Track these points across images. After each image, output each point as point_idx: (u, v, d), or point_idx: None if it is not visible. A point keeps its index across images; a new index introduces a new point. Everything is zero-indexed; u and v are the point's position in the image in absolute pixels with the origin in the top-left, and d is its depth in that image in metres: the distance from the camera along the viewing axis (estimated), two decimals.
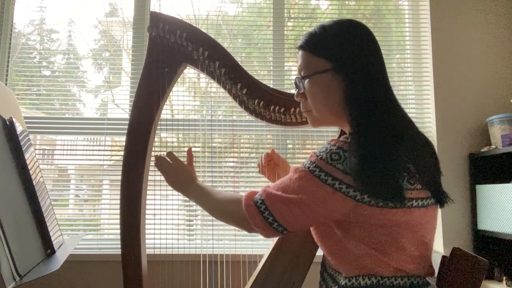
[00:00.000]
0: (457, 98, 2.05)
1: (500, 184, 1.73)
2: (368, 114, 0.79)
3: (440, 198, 0.82)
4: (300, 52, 0.89)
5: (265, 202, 0.80)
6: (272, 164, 1.23)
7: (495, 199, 1.75)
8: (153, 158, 1.06)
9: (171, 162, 1.03)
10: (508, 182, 1.75)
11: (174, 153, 1.05)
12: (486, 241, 1.88)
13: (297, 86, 0.91)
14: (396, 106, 0.84)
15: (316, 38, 0.87)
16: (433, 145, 0.87)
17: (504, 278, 1.74)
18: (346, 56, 0.83)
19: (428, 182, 0.79)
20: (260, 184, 2.05)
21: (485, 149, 1.89)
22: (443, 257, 0.82)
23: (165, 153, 1.04)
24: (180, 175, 1.01)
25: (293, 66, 2.29)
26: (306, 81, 0.87)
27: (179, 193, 1.02)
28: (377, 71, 0.84)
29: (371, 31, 0.88)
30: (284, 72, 2.15)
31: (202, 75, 1.22)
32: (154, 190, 1.20)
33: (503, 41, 2.10)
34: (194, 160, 1.06)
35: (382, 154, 0.74)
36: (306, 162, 0.80)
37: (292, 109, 1.08)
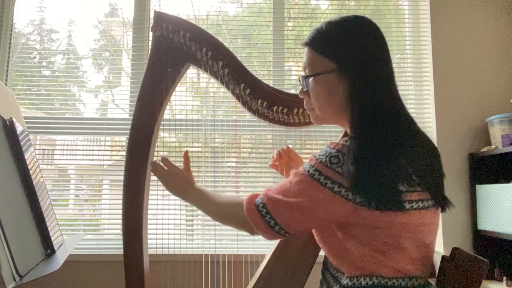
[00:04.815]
0: (457, 98, 2.05)
1: (500, 184, 1.73)
2: (369, 119, 0.78)
3: (441, 202, 0.81)
4: (306, 49, 0.88)
5: (266, 206, 0.81)
6: (286, 160, 1.22)
7: (495, 199, 1.75)
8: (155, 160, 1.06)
9: (166, 168, 1.03)
10: (508, 182, 1.75)
11: (175, 153, 1.05)
12: (486, 241, 1.88)
13: (301, 83, 0.90)
14: (399, 109, 0.82)
15: (321, 36, 0.85)
16: (437, 148, 0.85)
17: (504, 278, 1.74)
18: (351, 58, 0.81)
19: (429, 184, 0.78)
20: (260, 184, 2.05)
21: (485, 149, 1.89)
22: (443, 257, 0.82)
23: (160, 159, 1.04)
24: (178, 180, 1.01)
25: (293, 66, 2.29)
26: (310, 79, 0.86)
27: (179, 198, 1.03)
28: (382, 72, 0.82)
29: (379, 28, 0.85)
30: (284, 72, 2.14)
31: (204, 74, 1.22)
32: (157, 190, 1.20)
33: (503, 41, 2.10)
34: (194, 160, 1.06)
35: (380, 159, 0.74)
36: (306, 166, 0.80)
37: (295, 110, 1.08)
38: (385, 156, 0.74)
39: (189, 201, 1.00)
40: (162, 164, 1.03)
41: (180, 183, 1.01)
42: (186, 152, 1.07)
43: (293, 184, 0.79)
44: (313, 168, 0.77)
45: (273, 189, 0.82)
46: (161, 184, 1.03)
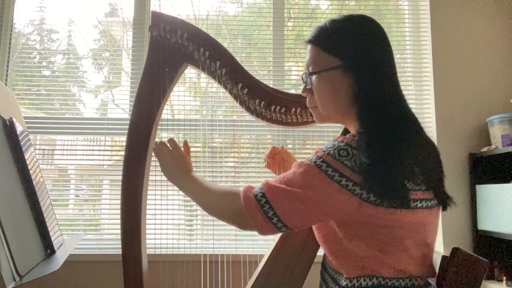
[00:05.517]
0: (457, 98, 2.04)
1: (500, 184, 1.73)
2: (377, 114, 0.78)
3: (443, 201, 0.81)
4: (309, 47, 0.87)
5: (266, 195, 0.77)
6: (279, 159, 1.21)
7: (495, 199, 1.75)
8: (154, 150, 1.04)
9: (171, 149, 0.99)
10: (508, 182, 1.75)
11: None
12: (486, 241, 1.88)
13: (304, 81, 0.89)
14: (404, 107, 0.83)
15: (326, 33, 0.85)
16: (437, 147, 0.85)
17: (504, 278, 1.73)
18: (356, 54, 0.81)
19: (432, 183, 0.78)
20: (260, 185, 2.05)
21: (485, 149, 1.89)
22: (443, 257, 0.82)
23: (167, 139, 1.01)
24: (177, 164, 0.97)
25: (293, 66, 2.29)
26: (314, 77, 0.85)
27: (172, 184, 0.97)
28: (387, 70, 0.83)
29: (382, 27, 0.86)
30: (284, 72, 2.14)
31: (203, 75, 1.22)
32: (155, 190, 1.20)
33: (503, 41, 2.10)
34: (193, 160, 1.05)
35: (390, 154, 0.73)
36: (311, 157, 0.77)
37: (293, 109, 1.08)
38: (394, 150, 0.74)
39: (183, 187, 0.95)
40: (168, 145, 0.99)
41: (179, 166, 0.96)
42: (186, 141, 1.04)
43: (297, 174, 0.76)
44: (321, 160, 0.74)
45: (274, 180, 0.79)
46: (159, 184, 1.02)
